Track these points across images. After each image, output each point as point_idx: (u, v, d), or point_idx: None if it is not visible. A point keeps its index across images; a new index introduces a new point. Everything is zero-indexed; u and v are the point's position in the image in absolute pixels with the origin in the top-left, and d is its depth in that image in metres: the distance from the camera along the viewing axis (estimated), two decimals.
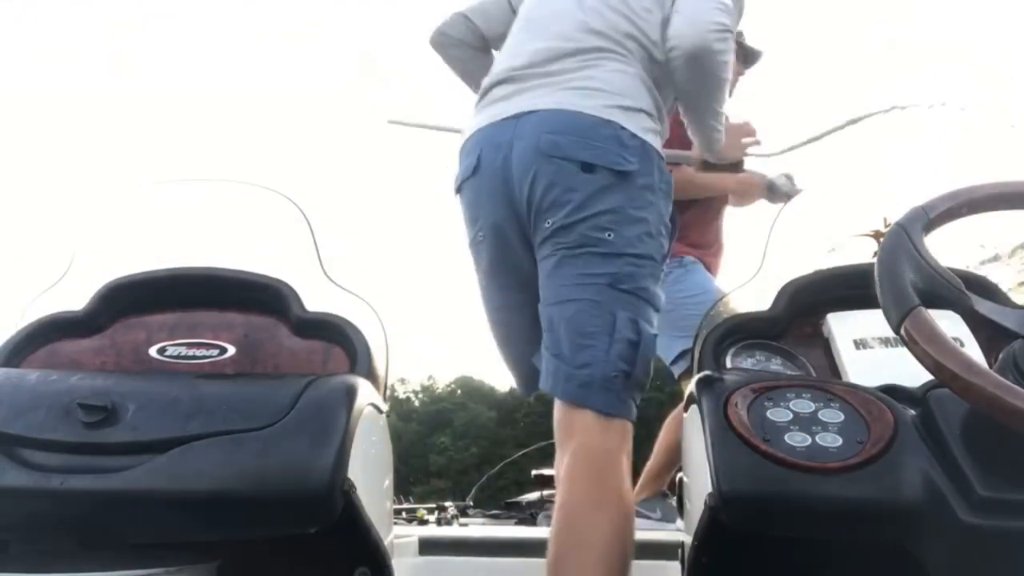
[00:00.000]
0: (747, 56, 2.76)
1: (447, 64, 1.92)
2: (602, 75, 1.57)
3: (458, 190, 1.66)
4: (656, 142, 1.55)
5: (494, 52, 1.83)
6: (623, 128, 1.53)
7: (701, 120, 1.69)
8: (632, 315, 1.40)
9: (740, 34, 2.61)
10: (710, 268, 2.92)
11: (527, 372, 1.62)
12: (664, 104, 1.62)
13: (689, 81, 1.60)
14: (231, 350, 1.14)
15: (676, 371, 2.91)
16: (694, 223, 2.90)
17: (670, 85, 1.61)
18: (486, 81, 1.68)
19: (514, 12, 1.79)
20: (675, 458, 2.98)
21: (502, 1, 1.84)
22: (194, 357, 1.13)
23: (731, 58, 1.59)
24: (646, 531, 2.79)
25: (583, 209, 1.48)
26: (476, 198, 1.63)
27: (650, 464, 3.08)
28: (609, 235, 1.47)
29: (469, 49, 1.87)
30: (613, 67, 1.58)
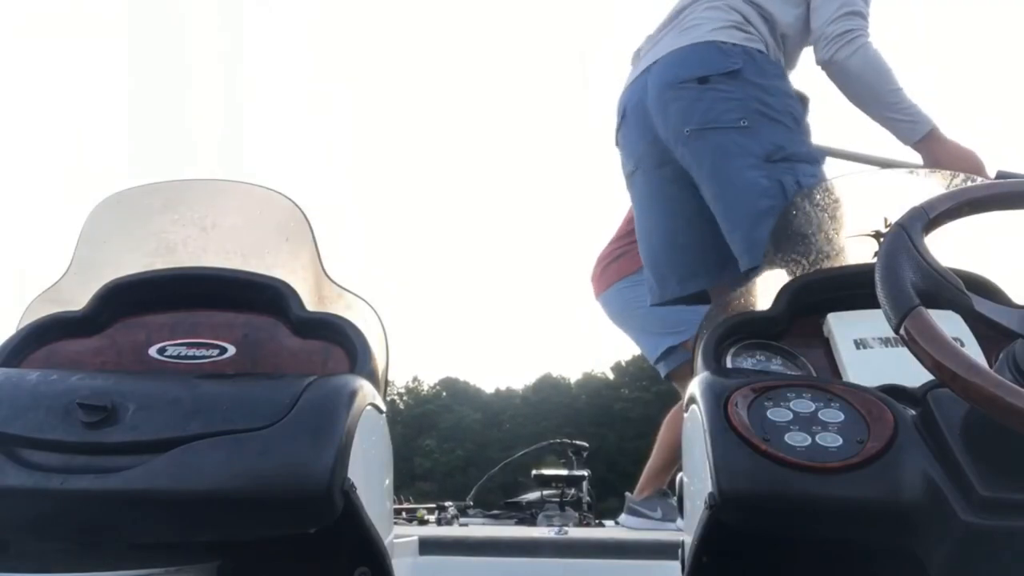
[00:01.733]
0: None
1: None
2: (695, 15, 2.01)
3: (616, 142, 2.15)
4: (757, 44, 1.96)
5: None
6: (722, 42, 1.94)
7: (876, 116, 1.97)
8: (794, 177, 1.79)
9: None
10: None
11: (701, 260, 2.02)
12: (766, 21, 2.00)
13: (843, 87, 1.97)
14: (231, 350, 1.14)
15: (662, 370, 2.96)
16: None
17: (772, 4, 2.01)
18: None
19: None
20: (675, 456, 3.00)
21: None
22: (194, 357, 1.13)
23: (868, 51, 1.93)
24: (646, 531, 2.80)
25: (712, 110, 1.89)
26: (626, 141, 2.10)
27: (650, 463, 3.09)
28: (743, 122, 1.87)
29: None
30: (705, 5, 2.01)
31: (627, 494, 3.11)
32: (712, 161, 1.89)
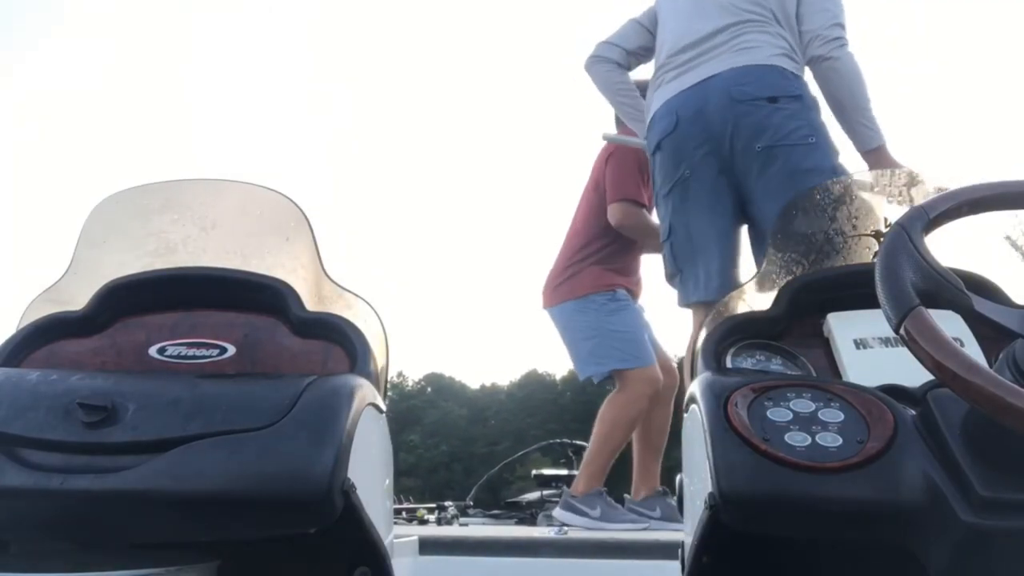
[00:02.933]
0: None
1: (595, 82, 2.59)
2: (750, 36, 2.22)
3: (657, 147, 2.31)
4: (802, 73, 2.24)
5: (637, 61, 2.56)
6: (783, 68, 2.20)
7: (847, 118, 2.22)
8: None
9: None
10: (635, 295, 3.22)
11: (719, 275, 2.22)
12: (796, 52, 2.25)
13: (829, 85, 2.22)
14: (231, 350, 1.14)
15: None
16: (625, 252, 3.19)
17: (795, 37, 2.26)
18: (660, 62, 2.36)
19: (646, 28, 2.50)
20: (649, 443, 3.12)
21: (635, 23, 2.53)
22: (194, 357, 1.13)
23: (849, 63, 2.25)
24: (647, 531, 2.81)
25: (783, 127, 2.12)
26: (678, 148, 2.24)
27: (636, 465, 3.14)
28: (811, 139, 2.12)
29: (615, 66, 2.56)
30: (756, 30, 2.22)
31: (565, 488, 3.19)
32: (788, 175, 2.10)
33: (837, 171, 2.04)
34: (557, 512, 3.04)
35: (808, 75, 2.29)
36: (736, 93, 2.19)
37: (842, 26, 2.24)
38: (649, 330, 3.18)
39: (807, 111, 2.18)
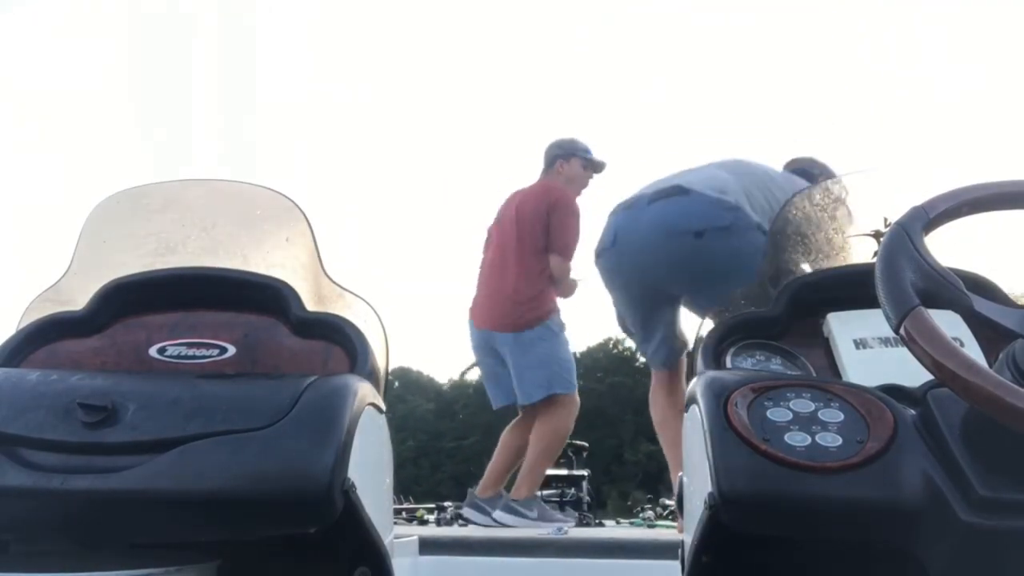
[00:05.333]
0: (594, 166, 3.62)
1: None
2: None
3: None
4: None
5: None
6: None
7: None
8: None
9: (587, 150, 3.57)
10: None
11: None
12: None
13: None
14: (231, 350, 1.14)
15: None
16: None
17: None
18: None
19: None
20: (515, 459, 3.48)
21: None
22: (194, 357, 1.13)
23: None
24: (647, 531, 2.81)
25: None
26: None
27: (527, 466, 3.44)
28: None
29: None
30: None
31: (503, 491, 3.45)
32: None
33: None
34: (498, 515, 3.31)
35: None
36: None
37: None
38: None
39: None
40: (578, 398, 3.52)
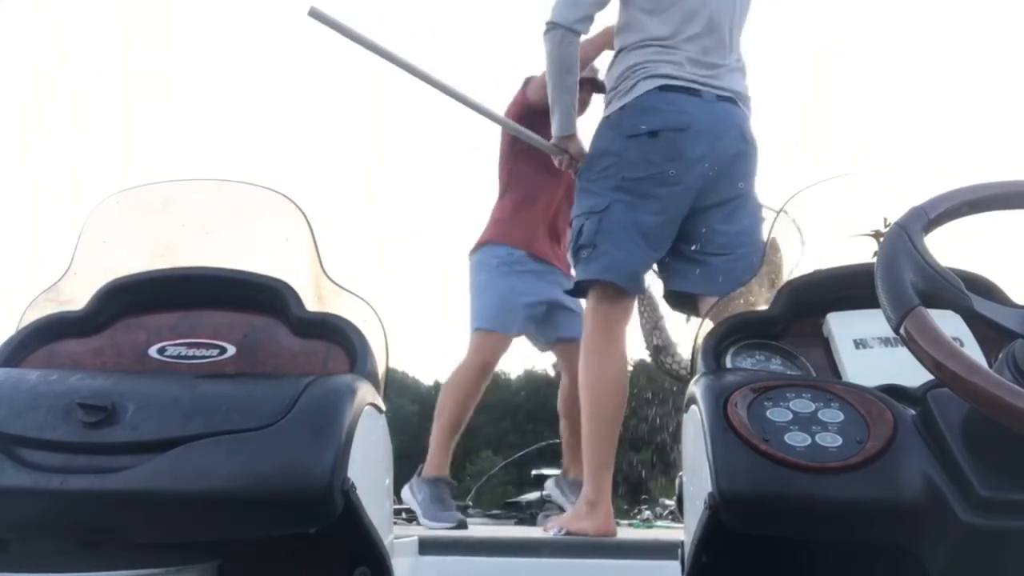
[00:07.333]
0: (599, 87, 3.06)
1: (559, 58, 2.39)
2: (739, 55, 2.38)
3: (653, 134, 2.25)
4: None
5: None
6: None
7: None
8: None
9: (595, 70, 3.07)
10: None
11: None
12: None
13: None
14: (231, 350, 1.14)
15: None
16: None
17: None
18: (673, 41, 2.28)
19: None
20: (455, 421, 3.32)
21: None
22: (194, 357, 1.13)
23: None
24: (647, 531, 2.81)
25: (754, 173, 2.39)
26: (680, 151, 2.26)
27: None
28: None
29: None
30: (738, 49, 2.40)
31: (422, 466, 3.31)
32: (754, 220, 2.30)
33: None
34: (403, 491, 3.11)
35: None
36: (746, 131, 2.31)
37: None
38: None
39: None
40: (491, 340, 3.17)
